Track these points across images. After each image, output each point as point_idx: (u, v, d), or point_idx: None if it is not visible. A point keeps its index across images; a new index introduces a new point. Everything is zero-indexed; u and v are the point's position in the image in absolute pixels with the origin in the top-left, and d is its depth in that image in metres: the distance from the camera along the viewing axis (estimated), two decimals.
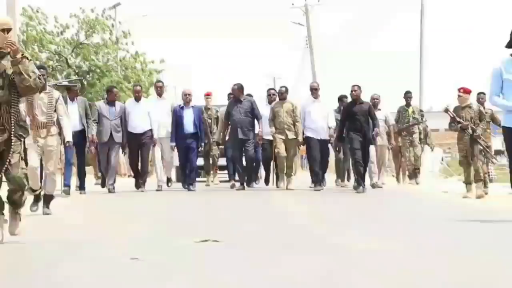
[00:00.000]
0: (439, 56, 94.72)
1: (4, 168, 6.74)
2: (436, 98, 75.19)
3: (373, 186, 15.27)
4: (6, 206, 6.98)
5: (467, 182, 12.80)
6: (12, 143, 6.75)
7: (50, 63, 30.05)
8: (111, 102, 14.48)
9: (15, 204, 6.93)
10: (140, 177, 14.74)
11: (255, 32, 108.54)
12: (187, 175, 14.91)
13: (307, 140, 14.89)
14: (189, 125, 14.74)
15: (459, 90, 12.93)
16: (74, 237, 7.48)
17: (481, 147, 12.76)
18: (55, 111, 9.99)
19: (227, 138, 15.41)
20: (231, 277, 5.26)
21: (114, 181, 14.51)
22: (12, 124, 6.74)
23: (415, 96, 22.81)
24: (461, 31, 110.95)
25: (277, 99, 15.24)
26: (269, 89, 16.46)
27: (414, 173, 16.98)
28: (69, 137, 10.51)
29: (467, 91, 12.94)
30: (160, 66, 31.62)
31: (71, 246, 6.83)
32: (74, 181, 14.27)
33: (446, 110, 12.89)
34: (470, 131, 12.60)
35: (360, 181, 14.09)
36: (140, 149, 14.59)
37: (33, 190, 9.49)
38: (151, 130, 14.49)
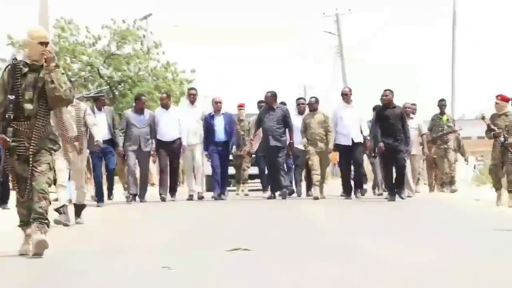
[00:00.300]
0: (471, 62, 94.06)
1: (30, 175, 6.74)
2: (469, 106, 74.58)
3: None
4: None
5: (496, 188, 12.71)
6: (40, 154, 6.75)
7: (82, 74, 30.26)
8: (139, 110, 14.40)
9: (37, 220, 6.64)
10: (167, 186, 14.63)
11: (287, 40, 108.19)
12: (219, 183, 14.87)
13: (339, 148, 14.81)
14: (220, 133, 14.73)
15: (496, 97, 12.81)
16: (104, 246, 7.53)
17: None
18: (84, 124, 10.05)
19: (256, 146, 15.35)
20: (262, 286, 5.27)
21: (146, 191, 14.54)
22: (38, 137, 6.75)
23: (447, 104, 22.64)
24: (494, 37, 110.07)
25: (307, 109, 15.20)
26: (298, 99, 16.28)
27: (450, 182, 16.79)
28: (98, 137, 10.62)
29: (505, 99, 12.79)
30: (191, 75, 31.70)
31: (101, 255, 6.87)
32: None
33: (483, 118, 12.78)
34: (501, 139, 12.49)
35: (389, 190, 14.04)
36: (170, 158, 14.57)
37: (56, 209, 9.55)
38: (180, 138, 14.49)
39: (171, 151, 14.51)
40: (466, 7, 76.82)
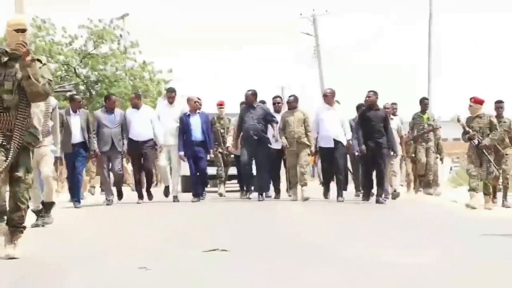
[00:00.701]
0: (449, 64, 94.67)
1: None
2: (445, 107, 75.05)
3: (394, 196, 15.01)
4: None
5: (472, 189, 12.78)
6: (19, 152, 6.54)
7: (58, 73, 30.11)
8: (110, 110, 14.13)
9: (13, 226, 6.60)
10: (143, 187, 14.51)
11: (263, 41, 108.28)
12: (197, 184, 14.72)
13: (320, 151, 14.58)
14: (197, 133, 14.49)
15: (470, 100, 12.92)
16: (81, 248, 7.47)
17: (488, 158, 12.68)
18: (50, 119, 9.86)
19: (239, 147, 15.16)
20: (238, 286, 5.25)
21: (122, 191, 14.43)
22: (20, 129, 6.53)
23: None
24: (471, 39, 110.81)
25: (283, 108, 15.07)
26: (274, 97, 15.78)
27: (428, 184, 16.67)
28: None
29: (477, 101, 12.90)
30: (168, 75, 31.63)
31: (79, 256, 6.82)
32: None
33: (458, 120, 12.89)
34: (475, 141, 12.61)
35: (365, 190, 14.04)
36: (143, 158, 14.36)
37: (33, 211, 9.45)
38: (153, 139, 14.30)
39: (143, 151, 14.35)
40: (443, 8, 77.04)
